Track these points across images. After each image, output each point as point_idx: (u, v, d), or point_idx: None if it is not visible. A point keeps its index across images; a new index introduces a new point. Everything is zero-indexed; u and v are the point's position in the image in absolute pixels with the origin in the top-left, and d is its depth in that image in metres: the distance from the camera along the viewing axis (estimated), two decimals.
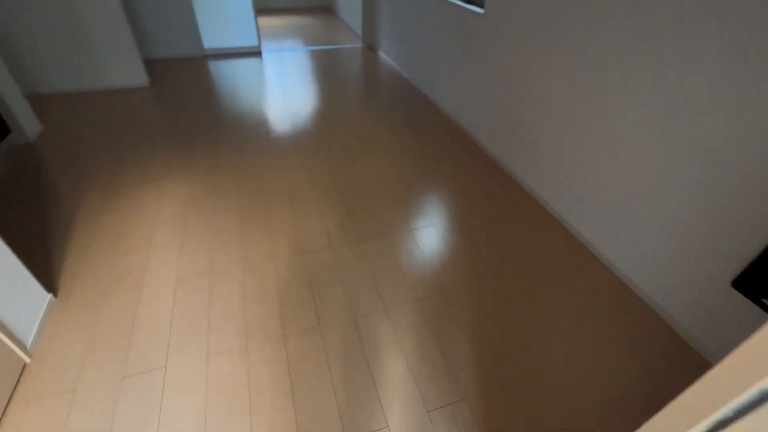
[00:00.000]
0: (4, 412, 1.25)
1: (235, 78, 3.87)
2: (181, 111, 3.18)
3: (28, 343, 1.41)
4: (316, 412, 1.29)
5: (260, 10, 6.47)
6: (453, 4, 2.86)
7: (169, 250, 1.86)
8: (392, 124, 3.09)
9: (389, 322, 1.58)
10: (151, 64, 4.03)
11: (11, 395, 1.29)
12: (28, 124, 2.64)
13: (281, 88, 3.70)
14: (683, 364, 1.49)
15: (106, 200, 2.15)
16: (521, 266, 1.86)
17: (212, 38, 4.34)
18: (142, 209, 2.10)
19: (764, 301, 1.28)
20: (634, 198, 1.69)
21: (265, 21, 5.91)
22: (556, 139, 2.10)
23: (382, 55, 4.53)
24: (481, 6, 2.58)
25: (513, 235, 2.05)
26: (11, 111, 2.50)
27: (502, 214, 2.19)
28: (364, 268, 1.81)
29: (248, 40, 4.49)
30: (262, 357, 1.43)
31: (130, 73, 3.48)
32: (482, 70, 2.63)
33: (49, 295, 1.57)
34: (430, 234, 2.03)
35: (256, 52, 4.56)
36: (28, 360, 1.39)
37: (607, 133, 1.77)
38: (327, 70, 4.14)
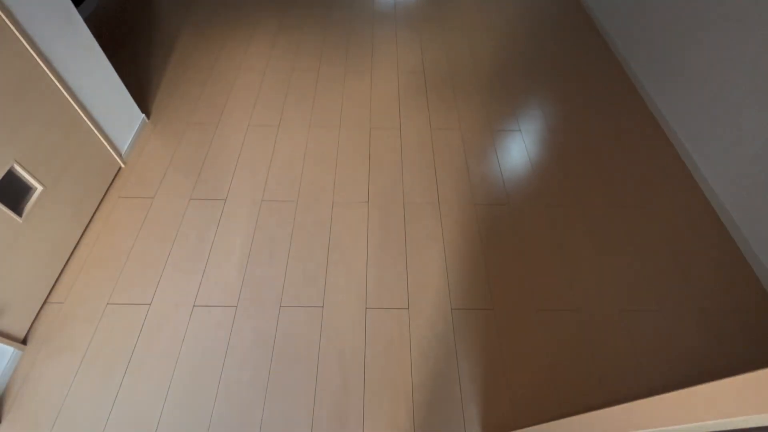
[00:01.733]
0: (101, 202, 1.49)
1: None
2: None
3: (123, 152, 1.60)
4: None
5: None
6: None
7: (246, 97, 1.89)
8: (507, 11, 2.57)
9: (437, 215, 1.49)
10: None
11: (107, 190, 1.52)
12: None
13: None
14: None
15: (199, 41, 2.19)
16: (613, 201, 1.58)
17: None
18: (228, 57, 2.11)
19: None
20: None
21: None
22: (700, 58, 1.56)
23: None
24: None
25: (616, 164, 1.71)
26: None
27: (611, 139, 1.81)
28: (428, 157, 1.68)
29: None
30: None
31: None
32: None
33: (143, 116, 1.73)
34: (513, 139, 1.78)
35: None
36: (122, 165, 1.59)
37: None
38: None
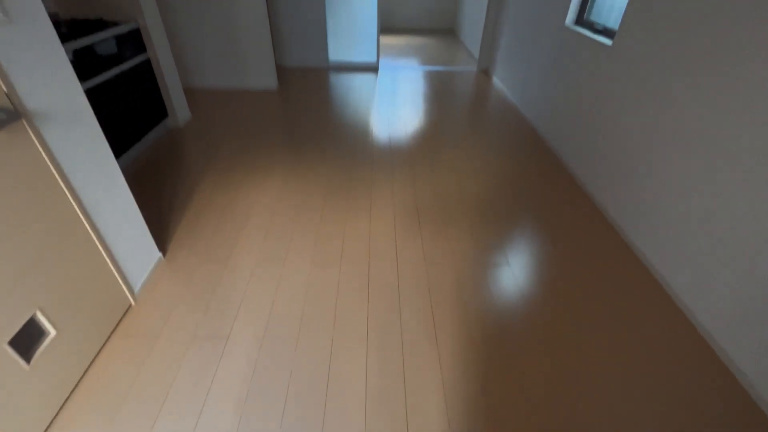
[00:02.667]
0: (106, 341, 1.51)
1: (350, 90, 4.18)
2: (298, 113, 3.54)
3: (136, 291, 1.69)
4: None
5: (384, 28, 6.89)
6: (579, 33, 2.67)
7: (256, 236, 2.07)
8: (491, 150, 3.00)
9: (434, 348, 1.51)
10: (281, 71, 4.58)
11: (114, 329, 1.56)
12: (181, 111, 3.21)
13: (390, 103, 3.87)
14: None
15: (219, 185, 2.49)
16: (605, 340, 1.63)
17: (337, 52, 4.76)
18: (243, 198, 2.38)
19: None
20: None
21: (387, 39, 6.27)
22: (678, 196, 1.80)
23: (496, 80, 4.44)
24: (610, 37, 2.37)
25: (607, 303, 1.80)
26: (171, 99, 3.07)
27: (596, 275, 1.94)
28: (423, 290, 1.77)
29: (368, 56, 4.81)
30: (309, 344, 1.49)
31: (264, 78, 4.00)
32: (599, 109, 2.40)
33: (159, 254, 1.87)
34: (503, 274, 1.90)
35: (373, 68, 4.85)
36: (132, 303, 1.66)
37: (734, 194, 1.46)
38: (437, 90, 4.21)
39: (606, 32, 2.48)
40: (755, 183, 1.42)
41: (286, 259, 1.93)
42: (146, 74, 2.82)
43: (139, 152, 2.83)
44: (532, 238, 2.11)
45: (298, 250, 1.98)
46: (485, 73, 4.79)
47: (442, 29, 7.02)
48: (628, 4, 2.14)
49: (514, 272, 1.90)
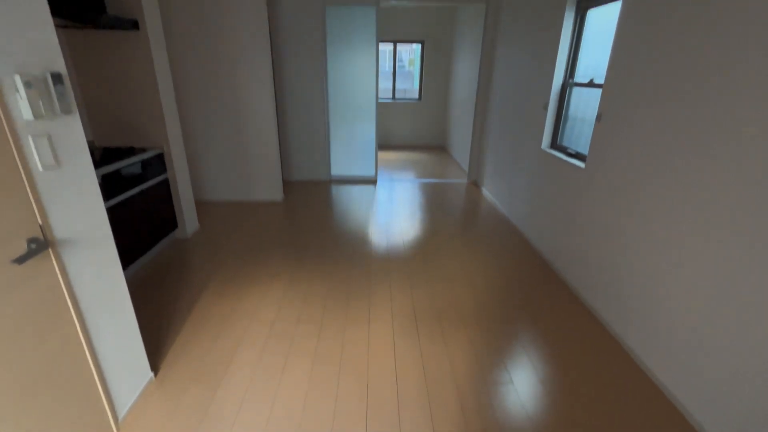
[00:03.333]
0: None
1: (350, 201, 4.48)
2: (301, 224, 3.74)
3: (121, 416, 1.61)
4: None
5: (382, 145, 7.65)
6: (554, 156, 3.01)
7: (251, 352, 2.03)
8: (484, 258, 3.10)
9: None
10: (286, 184, 4.96)
11: None
12: (189, 223, 3.41)
13: (388, 213, 4.12)
14: None
15: (220, 295, 2.53)
16: None
17: (338, 167, 5.22)
18: (242, 309, 2.39)
19: None
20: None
21: (385, 155, 6.92)
22: (665, 300, 1.84)
23: (485, 191, 4.79)
24: (582, 160, 2.67)
25: (605, 414, 1.72)
26: (183, 213, 3.28)
27: (599, 390, 1.88)
28: (424, 407, 1.68)
29: (367, 171, 5.26)
30: None
31: (271, 190, 4.32)
32: (582, 221, 2.58)
33: (151, 374, 1.82)
34: (507, 394, 1.83)
35: (372, 181, 5.27)
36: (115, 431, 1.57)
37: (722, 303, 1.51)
38: (431, 201, 4.52)
39: (578, 156, 2.80)
40: (722, 283, 1.48)
41: (283, 373, 1.87)
42: (164, 191, 3.08)
43: (147, 261, 2.92)
44: (534, 353, 2.08)
45: (294, 369, 1.93)
46: (475, 184, 5.19)
47: (435, 146, 7.79)
48: (593, 136, 2.47)
49: (518, 391, 1.82)
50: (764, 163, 1.39)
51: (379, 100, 4.97)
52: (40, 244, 1.22)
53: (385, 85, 7.34)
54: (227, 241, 3.33)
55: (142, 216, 2.79)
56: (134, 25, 2.65)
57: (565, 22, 2.89)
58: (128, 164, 2.61)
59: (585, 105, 2.83)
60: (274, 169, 4.24)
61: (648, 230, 1.97)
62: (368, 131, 5.08)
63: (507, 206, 4.04)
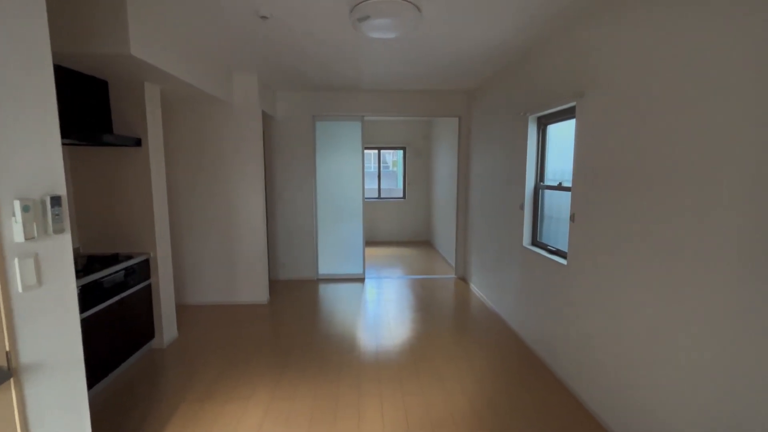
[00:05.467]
0: None
1: (339, 301, 4.38)
2: (286, 327, 3.59)
3: None
4: None
5: (369, 242, 7.79)
6: (537, 253, 3.10)
7: None
8: (478, 360, 2.96)
9: None
10: (273, 284, 4.87)
11: None
12: (168, 332, 3.23)
13: (377, 313, 4.01)
14: None
15: (193, 418, 2.28)
16: None
17: (326, 266, 5.22)
18: (222, 426, 2.15)
19: None
20: None
21: (371, 251, 7.00)
22: (662, 395, 1.73)
23: (473, 287, 4.79)
24: (563, 257, 2.75)
25: None
26: (162, 321, 3.13)
27: None
28: None
29: (355, 268, 5.26)
30: None
31: (256, 292, 4.23)
32: (567, 314, 2.56)
33: None
34: None
35: (360, 278, 5.24)
36: None
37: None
38: (421, 298, 4.45)
39: (559, 253, 2.89)
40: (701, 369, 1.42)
41: None
42: (144, 298, 2.97)
43: (117, 376, 2.68)
44: None
45: None
46: (463, 280, 5.20)
47: (420, 241, 7.97)
48: (570, 235, 2.59)
49: None
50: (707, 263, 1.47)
51: (366, 199, 5.22)
52: (3, 374, 1.13)
53: (371, 185, 7.78)
54: (206, 351, 3.13)
55: (118, 326, 2.65)
56: (137, 142, 2.85)
57: (529, 133, 3.25)
58: (111, 273, 2.57)
59: (559, 205, 3.03)
60: (261, 270, 4.20)
61: (627, 327, 1.96)
62: (355, 230, 5.22)
63: (496, 302, 4.01)
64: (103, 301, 2.50)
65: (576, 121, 2.52)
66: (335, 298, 4.48)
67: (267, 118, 4.74)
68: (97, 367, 2.42)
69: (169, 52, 2.60)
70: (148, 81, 2.86)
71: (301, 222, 5.05)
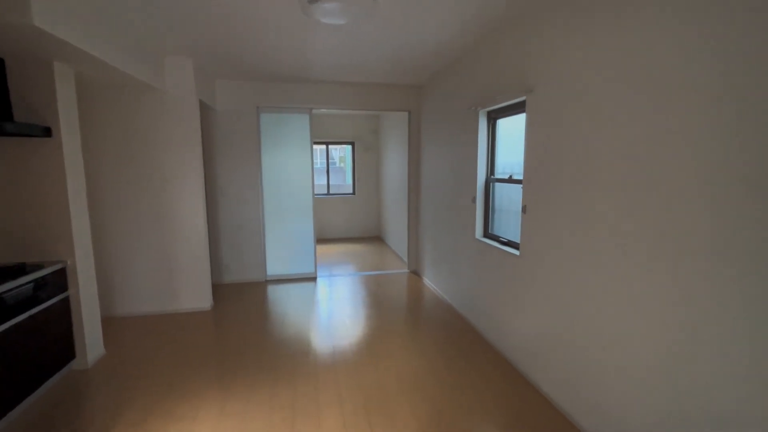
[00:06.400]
0: None
1: (290, 302, 4.17)
2: (234, 335, 3.32)
3: None
4: None
5: (319, 239, 7.59)
6: (489, 245, 3.16)
7: None
8: (432, 354, 2.95)
9: None
10: (217, 288, 4.52)
11: None
12: (92, 349, 2.83)
13: (331, 312, 3.87)
14: None
15: None
16: None
17: (275, 266, 4.95)
18: None
19: None
20: None
21: (322, 248, 6.81)
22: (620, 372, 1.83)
23: (427, 280, 4.82)
24: (516, 248, 2.82)
25: None
26: (84, 337, 2.73)
27: None
28: None
29: (306, 268, 5.06)
30: None
31: (198, 298, 3.88)
32: (521, 302, 2.63)
33: None
34: None
35: (312, 278, 5.05)
36: None
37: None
38: (375, 294, 4.38)
39: (511, 244, 2.96)
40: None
41: None
42: (60, 314, 2.57)
43: (28, 407, 2.28)
44: None
45: None
46: (416, 273, 5.22)
47: (371, 236, 7.91)
48: (522, 226, 2.66)
49: None
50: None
51: (315, 195, 5.03)
52: None
53: (320, 180, 7.56)
54: (140, 368, 2.79)
55: (28, 349, 2.26)
56: (46, 132, 2.44)
57: (480, 127, 3.30)
58: (14, 287, 2.18)
59: (511, 198, 3.10)
60: (202, 274, 3.86)
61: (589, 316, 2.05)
62: (306, 228, 5.01)
63: (450, 294, 4.05)
64: (6, 320, 2.11)
65: (526, 115, 2.57)
66: (286, 299, 4.26)
67: (206, 109, 4.35)
68: (2, 399, 2.04)
69: (84, 26, 2.24)
70: (58, 60, 2.45)
71: (247, 221, 4.73)
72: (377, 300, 4.21)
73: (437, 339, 3.24)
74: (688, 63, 1.50)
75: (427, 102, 4.61)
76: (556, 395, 2.32)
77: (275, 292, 4.50)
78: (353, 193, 7.80)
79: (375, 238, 7.84)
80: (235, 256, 4.76)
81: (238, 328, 3.48)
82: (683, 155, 1.53)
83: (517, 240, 2.77)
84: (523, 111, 2.67)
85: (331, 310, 3.94)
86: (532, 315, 2.57)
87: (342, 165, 8.73)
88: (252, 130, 4.59)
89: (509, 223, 3.12)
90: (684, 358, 1.55)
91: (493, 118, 3.27)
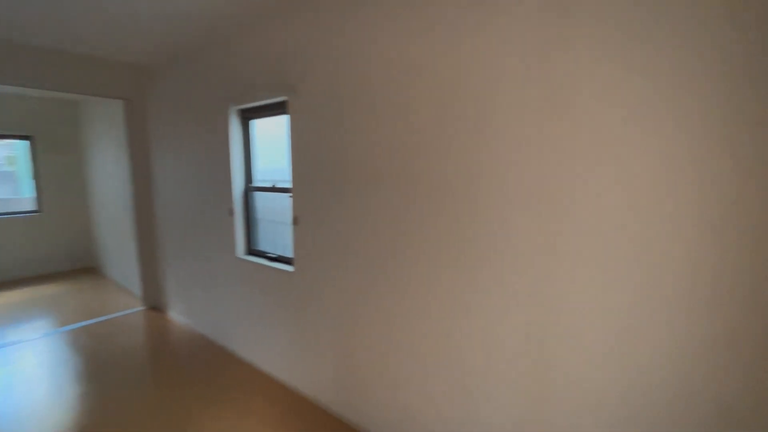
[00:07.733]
0: None
1: None
2: None
3: None
4: None
5: None
6: (255, 263, 2.75)
7: None
8: (198, 401, 2.30)
9: None
10: None
11: None
12: None
13: (9, 407, 2.39)
14: None
15: None
16: None
17: None
18: None
19: None
20: None
21: None
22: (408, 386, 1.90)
23: (173, 314, 3.84)
24: (289, 264, 2.55)
25: None
26: None
27: None
28: None
29: None
30: None
31: None
32: (299, 322, 2.41)
33: None
34: None
35: None
36: None
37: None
38: (93, 356, 3.07)
39: (282, 259, 2.67)
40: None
41: None
42: None
43: None
44: None
45: None
46: (156, 309, 4.09)
47: (79, 269, 5.73)
48: (294, 239, 2.41)
49: None
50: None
51: None
52: None
53: None
54: None
55: None
56: None
57: (232, 128, 2.81)
58: None
59: (280, 208, 2.77)
60: None
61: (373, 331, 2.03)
62: None
63: (210, 327, 3.34)
64: None
65: (289, 116, 2.33)
66: None
67: None
68: None
69: None
70: None
71: None
72: (99, 362, 2.97)
73: (192, 376, 2.55)
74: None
75: (158, 90, 3.61)
76: (336, 409, 2.22)
77: None
78: (38, 210, 5.41)
79: (87, 270, 5.74)
80: None
81: None
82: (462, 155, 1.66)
83: (290, 255, 2.50)
84: (284, 112, 2.42)
85: (9, 403, 2.46)
86: (310, 332, 2.37)
87: (12, 168, 5.96)
88: None
89: (278, 235, 2.81)
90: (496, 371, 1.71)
91: (246, 117, 2.85)
